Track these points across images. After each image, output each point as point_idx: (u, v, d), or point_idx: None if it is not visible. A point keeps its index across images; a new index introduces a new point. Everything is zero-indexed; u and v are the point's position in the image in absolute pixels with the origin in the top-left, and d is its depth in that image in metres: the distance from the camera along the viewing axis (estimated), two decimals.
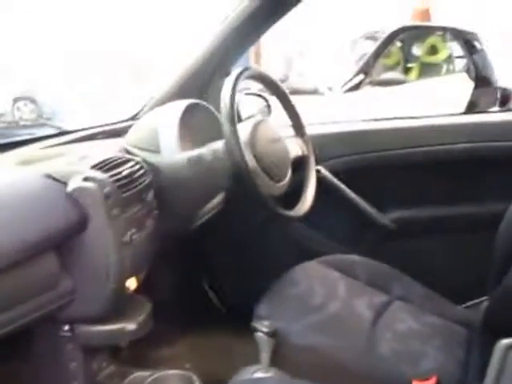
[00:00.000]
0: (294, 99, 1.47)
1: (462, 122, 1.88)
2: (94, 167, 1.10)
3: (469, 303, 1.60)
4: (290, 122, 1.49)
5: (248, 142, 1.25)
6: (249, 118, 1.48)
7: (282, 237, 1.72)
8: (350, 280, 1.41)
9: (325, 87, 4.91)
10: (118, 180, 1.10)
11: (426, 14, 5.46)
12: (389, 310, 1.33)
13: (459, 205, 1.71)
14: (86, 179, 1.06)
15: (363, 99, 4.20)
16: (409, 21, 5.32)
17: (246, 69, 1.31)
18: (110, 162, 1.14)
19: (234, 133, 1.21)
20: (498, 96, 4.04)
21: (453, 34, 4.54)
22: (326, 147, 1.67)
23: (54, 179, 1.07)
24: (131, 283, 1.17)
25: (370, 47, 4.68)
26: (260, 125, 1.31)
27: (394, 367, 1.17)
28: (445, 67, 4.83)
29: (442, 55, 4.81)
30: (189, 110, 1.33)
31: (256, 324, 1.24)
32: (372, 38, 4.94)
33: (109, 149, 1.28)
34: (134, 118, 1.58)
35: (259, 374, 1.14)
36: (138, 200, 1.16)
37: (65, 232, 1.05)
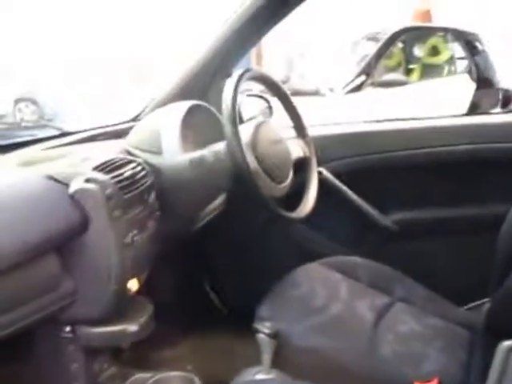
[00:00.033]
0: (296, 100, 1.47)
1: (463, 123, 1.88)
2: (95, 168, 1.10)
3: (471, 305, 1.59)
4: (291, 124, 1.49)
5: (250, 144, 1.25)
6: (250, 119, 1.48)
7: (284, 238, 1.71)
8: (351, 282, 1.41)
9: (326, 88, 4.91)
10: (119, 181, 1.10)
11: (427, 14, 5.46)
12: (391, 312, 1.32)
13: (461, 206, 1.71)
14: (87, 180, 1.06)
15: (365, 100, 4.21)
16: (410, 22, 5.32)
17: (247, 70, 1.31)
18: (112, 164, 1.13)
19: (236, 134, 1.21)
20: (500, 97, 4.04)
21: (454, 35, 4.53)
22: (327, 149, 1.67)
23: (56, 180, 1.07)
24: (133, 285, 1.17)
25: (372, 48, 4.69)
26: (262, 126, 1.31)
27: (395, 369, 1.17)
28: (446, 68, 4.83)
29: (443, 56, 4.81)
30: (190, 111, 1.33)
31: (257, 325, 1.24)
32: (373, 39, 4.94)
33: (110, 150, 1.28)
34: (135, 119, 1.58)
35: (261, 376, 1.14)
36: (139, 201, 1.16)
37: (66, 233, 1.04)
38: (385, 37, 4.56)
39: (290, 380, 1.14)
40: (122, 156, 1.21)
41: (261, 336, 1.22)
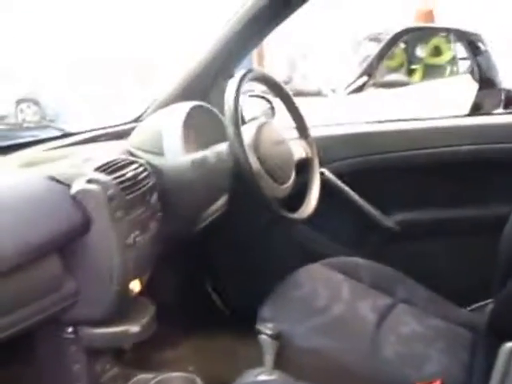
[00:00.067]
0: (298, 101, 1.47)
1: (466, 123, 1.88)
2: (97, 169, 1.10)
3: (473, 306, 1.59)
4: (293, 124, 1.49)
5: (252, 144, 1.25)
6: (252, 120, 1.48)
7: (286, 239, 1.71)
8: (353, 282, 1.40)
9: (328, 89, 4.92)
10: (121, 182, 1.10)
11: (429, 15, 5.47)
12: (393, 313, 1.32)
13: (463, 207, 1.70)
14: (89, 181, 1.06)
15: (367, 101, 4.21)
16: (412, 22, 5.32)
17: (249, 71, 1.31)
18: (114, 164, 1.13)
19: (238, 135, 1.21)
20: (503, 97, 4.04)
21: (456, 36, 4.54)
22: (329, 149, 1.67)
23: (58, 181, 1.07)
24: (135, 285, 1.17)
25: (374, 49, 4.69)
26: (264, 127, 1.31)
27: (397, 370, 1.17)
28: (449, 69, 4.83)
29: (445, 57, 4.81)
30: (192, 112, 1.33)
31: (260, 326, 1.23)
32: (375, 39, 4.94)
33: (112, 151, 1.28)
34: (137, 120, 1.58)
35: (263, 377, 1.14)
36: (141, 202, 1.16)
37: (68, 234, 1.04)
38: (387, 37, 4.57)
39: (292, 381, 1.13)
40: (123, 157, 1.21)
41: (263, 337, 1.21)
